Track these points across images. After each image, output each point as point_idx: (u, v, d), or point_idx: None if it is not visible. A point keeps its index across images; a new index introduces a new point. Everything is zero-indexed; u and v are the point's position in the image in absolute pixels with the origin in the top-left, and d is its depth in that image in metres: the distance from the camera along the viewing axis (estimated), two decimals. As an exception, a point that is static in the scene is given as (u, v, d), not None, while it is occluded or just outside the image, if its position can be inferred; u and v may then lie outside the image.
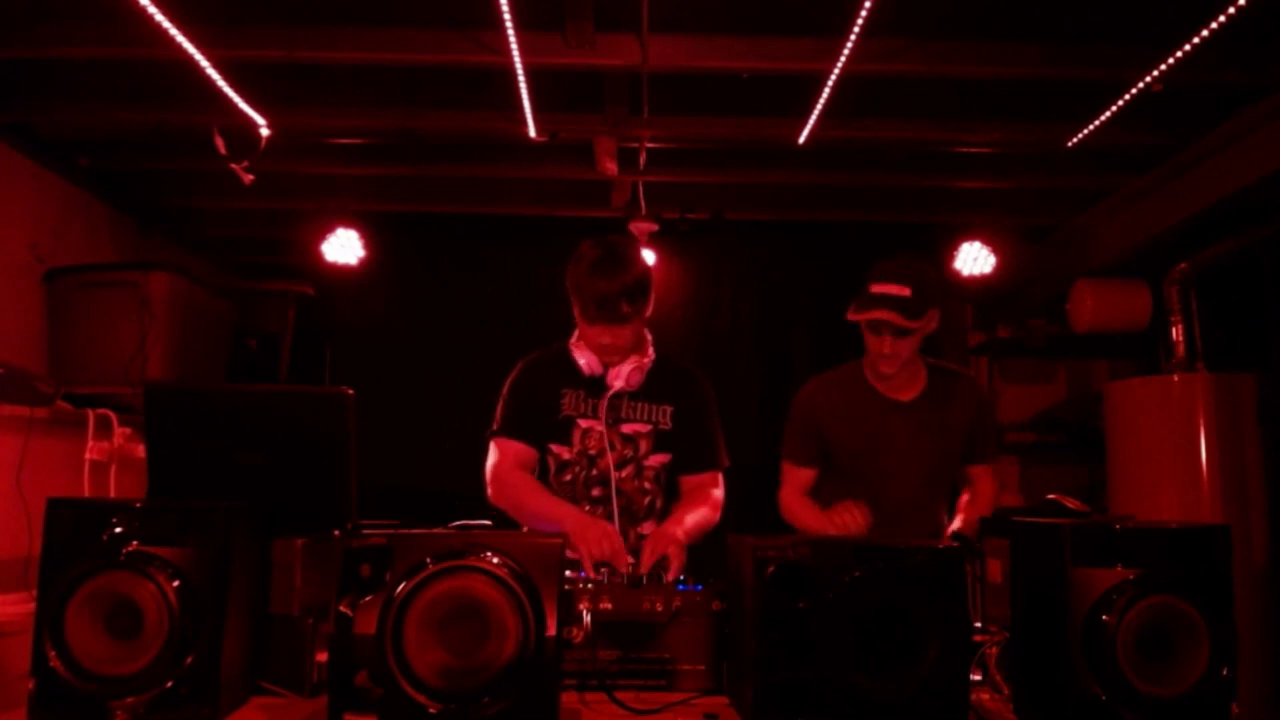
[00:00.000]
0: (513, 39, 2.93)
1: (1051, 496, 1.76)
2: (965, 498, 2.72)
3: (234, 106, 3.39)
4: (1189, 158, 3.81)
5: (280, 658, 1.60)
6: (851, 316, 2.52)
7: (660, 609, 1.67)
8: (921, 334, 2.51)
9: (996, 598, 1.65)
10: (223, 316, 4.73)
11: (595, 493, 2.37)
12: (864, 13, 2.75)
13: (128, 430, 3.83)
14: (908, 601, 1.39)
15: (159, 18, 2.80)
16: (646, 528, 2.39)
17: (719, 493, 2.45)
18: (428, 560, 1.32)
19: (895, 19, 2.87)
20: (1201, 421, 3.92)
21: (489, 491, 2.37)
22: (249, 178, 3.71)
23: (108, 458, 3.76)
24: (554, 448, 2.39)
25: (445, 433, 4.87)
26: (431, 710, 1.28)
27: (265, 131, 3.58)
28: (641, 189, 4.47)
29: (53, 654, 1.39)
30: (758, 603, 1.42)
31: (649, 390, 2.40)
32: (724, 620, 1.66)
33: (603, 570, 1.95)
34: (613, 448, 2.36)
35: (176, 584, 1.42)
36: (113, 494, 3.72)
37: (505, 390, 2.45)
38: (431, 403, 5.00)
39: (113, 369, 3.94)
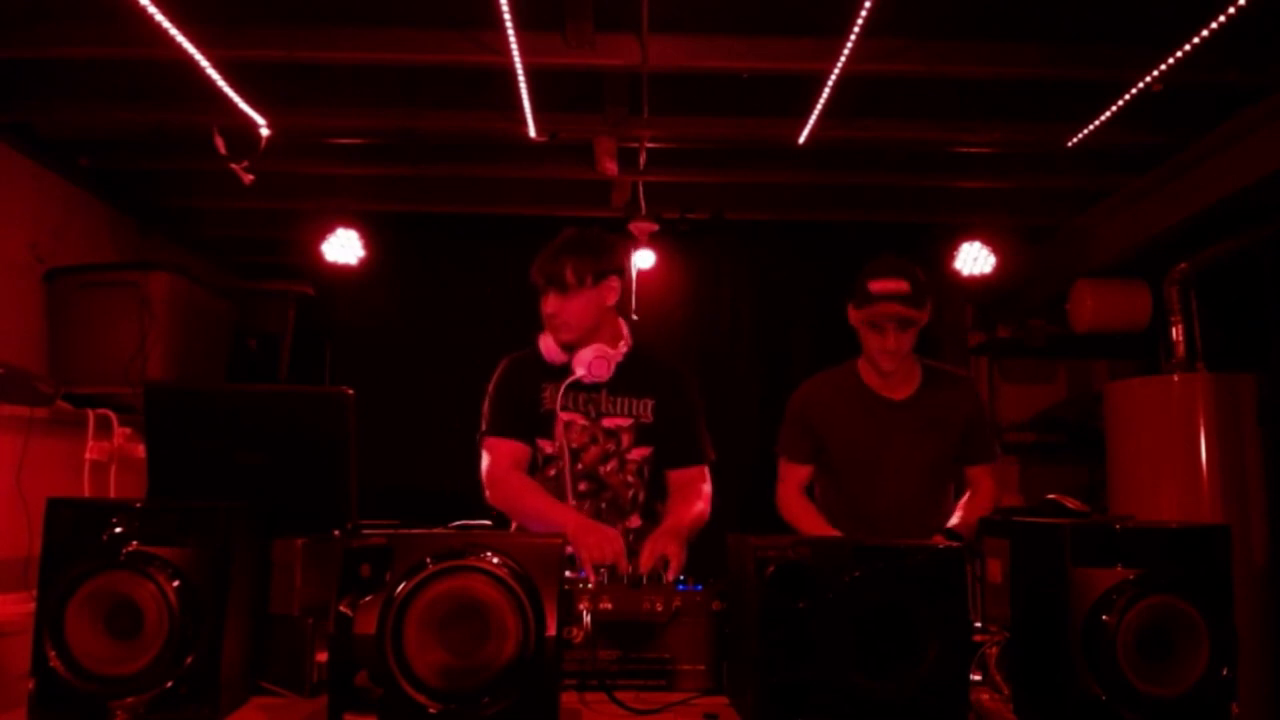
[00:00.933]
0: (513, 39, 2.93)
1: (1051, 496, 1.76)
2: (965, 498, 2.73)
3: (234, 106, 3.39)
4: (1189, 158, 3.80)
5: (280, 658, 1.60)
6: (856, 314, 2.57)
7: (660, 609, 1.67)
8: (920, 326, 2.55)
9: (996, 598, 1.65)
10: (223, 316, 4.73)
11: (582, 487, 2.38)
12: (864, 13, 2.75)
13: (128, 430, 3.83)
14: (908, 601, 1.39)
15: (159, 18, 2.80)
16: (633, 521, 2.40)
17: (708, 487, 2.45)
18: (428, 560, 1.32)
19: (895, 19, 2.87)
20: (1201, 421, 3.92)
21: (487, 494, 2.37)
22: (249, 178, 3.71)
23: (108, 458, 3.76)
24: (539, 442, 2.40)
25: (445, 433, 4.86)
26: (431, 710, 1.28)
27: (265, 131, 3.58)
28: (641, 189, 4.47)
29: (53, 654, 1.39)
30: (758, 603, 1.42)
31: (629, 384, 2.41)
32: (724, 620, 1.66)
33: (602, 571, 1.95)
34: (595, 441, 2.37)
35: (176, 584, 1.42)
36: (113, 494, 3.73)
37: (491, 389, 2.46)
38: (431, 403, 4.99)
39: (113, 369, 3.94)
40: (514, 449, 2.38)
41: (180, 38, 2.91)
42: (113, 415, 3.80)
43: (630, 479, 2.41)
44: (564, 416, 2.37)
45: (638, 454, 2.41)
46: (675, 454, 2.45)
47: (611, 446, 2.39)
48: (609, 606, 1.67)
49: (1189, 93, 3.42)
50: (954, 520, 2.60)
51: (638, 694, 1.61)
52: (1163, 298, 4.21)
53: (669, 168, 4.24)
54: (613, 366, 2.38)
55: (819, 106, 3.40)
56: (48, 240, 4.06)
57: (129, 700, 1.39)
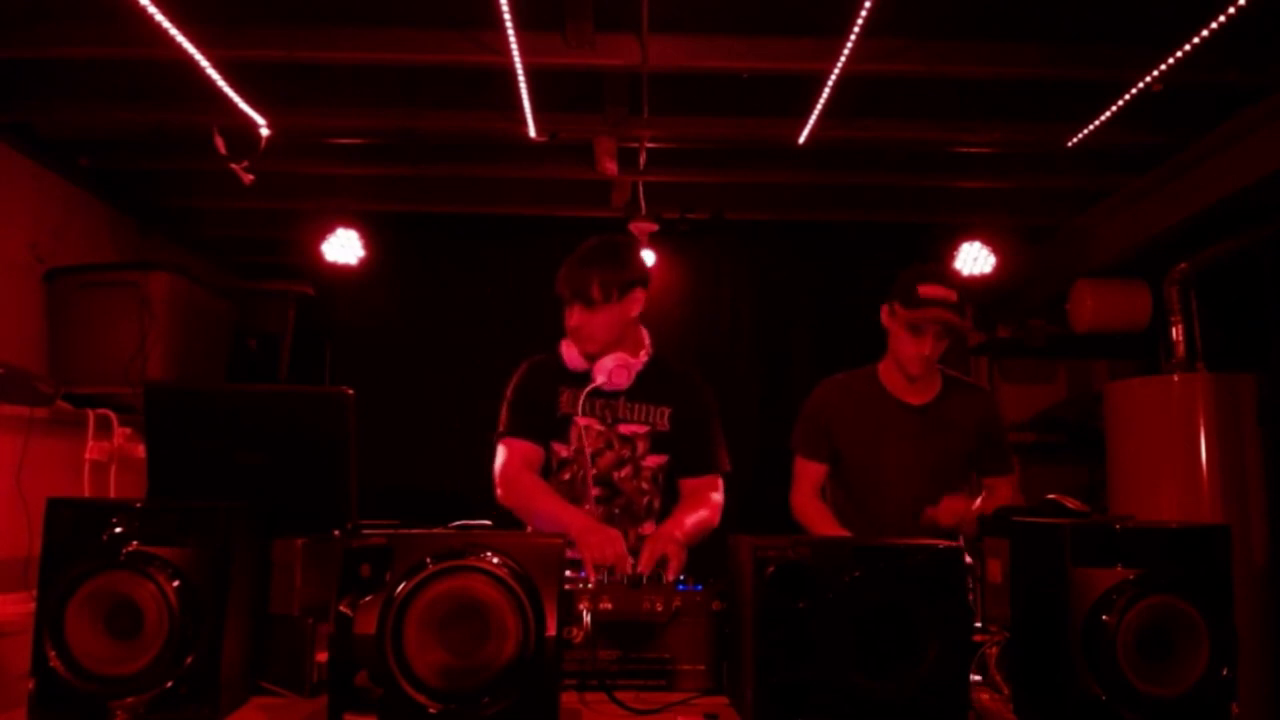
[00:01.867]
0: (513, 39, 2.93)
1: (1051, 496, 1.75)
2: (979, 499, 2.74)
3: (234, 106, 3.39)
4: (1189, 158, 3.81)
5: (280, 658, 1.60)
6: (901, 314, 2.59)
7: (660, 609, 1.67)
8: (955, 339, 2.60)
9: (996, 598, 1.65)
10: (223, 316, 4.73)
11: (596, 492, 2.38)
12: (864, 13, 2.75)
13: (128, 430, 3.83)
14: (908, 601, 1.39)
15: (159, 18, 2.80)
16: (647, 528, 2.40)
17: (718, 496, 2.45)
18: (428, 560, 1.32)
19: (895, 19, 2.87)
20: (1201, 421, 3.92)
21: (498, 493, 2.38)
22: (249, 178, 3.71)
23: (108, 458, 3.76)
24: (554, 446, 2.41)
25: (445, 433, 4.87)
26: (431, 710, 1.28)
27: (265, 131, 3.58)
28: (641, 189, 4.47)
29: (53, 654, 1.38)
30: (758, 603, 1.42)
31: (646, 391, 2.41)
32: (724, 620, 1.66)
33: (603, 572, 1.95)
34: (610, 446, 2.38)
35: (176, 584, 1.41)
36: (113, 494, 3.73)
37: (509, 391, 2.47)
38: (431, 403, 5.00)
39: (113, 369, 3.94)
40: (528, 450, 2.39)
41: (180, 38, 2.91)
42: (113, 415, 3.80)
43: (645, 485, 2.41)
44: (581, 421, 2.37)
45: (653, 461, 2.41)
46: (688, 462, 2.45)
47: (627, 453, 2.39)
48: (609, 606, 1.67)
49: (1189, 93, 3.42)
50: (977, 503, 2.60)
51: (638, 694, 1.61)
52: (1163, 298, 4.21)
53: (669, 168, 4.24)
54: (633, 375, 2.38)
55: (819, 106, 3.40)
56: (48, 240, 4.06)
57: (129, 700, 1.39)
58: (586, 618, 1.61)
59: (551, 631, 1.32)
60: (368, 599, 1.31)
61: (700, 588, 1.70)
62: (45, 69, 3.49)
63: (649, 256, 4.74)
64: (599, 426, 2.39)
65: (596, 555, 2.02)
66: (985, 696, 1.62)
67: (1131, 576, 1.40)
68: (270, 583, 1.62)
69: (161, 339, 4.05)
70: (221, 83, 3.22)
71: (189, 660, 1.41)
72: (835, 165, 4.22)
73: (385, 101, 3.65)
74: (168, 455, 1.81)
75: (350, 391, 1.76)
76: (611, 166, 4.06)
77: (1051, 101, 3.59)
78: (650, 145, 3.89)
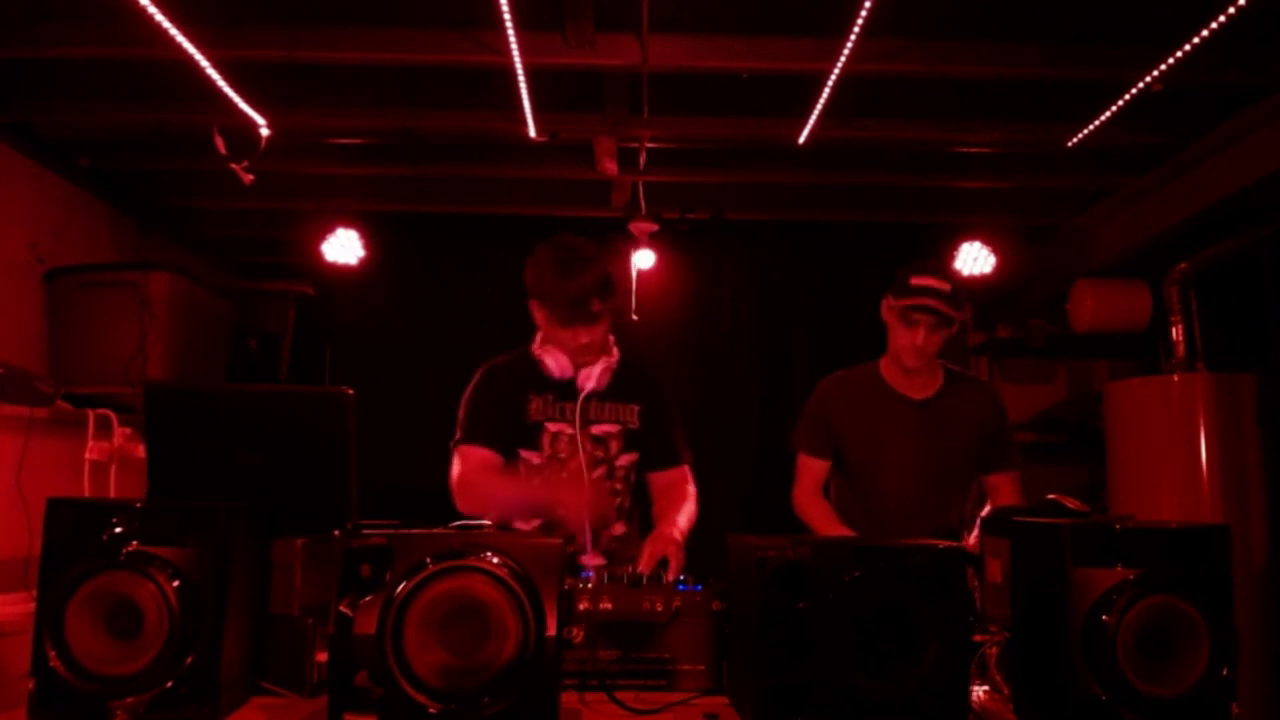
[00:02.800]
0: (513, 39, 2.93)
1: (1051, 496, 1.75)
2: (985, 510, 2.73)
3: (234, 106, 3.39)
4: (1189, 158, 3.80)
5: (280, 658, 1.60)
6: (893, 304, 2.61)
7: (660, 609, 1.67)
8: (950, 332, 2.60)
9: (996, 598, 1.65)
10: (223, 316, 4.73)
11: None
12: (864, 13, 2.75)
13: (128, 430, 3.83)
14: (908, 601, 1.39)
15: (159, 18, 2.80)
16: (618, 529, 2.40)
17: (692, 487, 2.46)
18: (428, 560, 1.32)
19: (895, 19, 2.87)
20: (1201, 421, 3.92)
21: (457, 502, 2.30)
22: (249, 178, 3.71)
23: (108, 458, 3.76)
24: (524, 454, 2.37)
25: (445, 433, 4.86)
26: (431, 710, 1.28)
27: (265, 131, 3.58)
28: (641, 189, 4.47)
29: (53, 654, 1.39)
30: (758, 603, 1.42)
31: (616, 390, 2.40)
32: (724, 620, 1.66)
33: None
34: (582, 450, 2.35)
35: (176, 584, 1.41)
36: (113, 494, 3.73)
37: (467, 397, 2.42)
38: (431, 403, 4.96)
39: (113, 369, 3.94)
40: (486, 457, 2.33)
41: (180, 38, 2.91)
42: (113, 415, 3.80)
43: (618, 486, 2.40)
44: (551, 428, 2.36)
45: (625, 460, 2.41)
46: (658, 457, 2.45)
47: (600, 454, 2.38)
48: (609, 606, 1.67)
49: (1189, 93, 3.42)
50: (972, 539, 2.60)
51: (638, 694, 1.61)
52: (1163, 298, 4.21)
53: (669, 168, 4.24)
54: (613, 375, 2.38)
55: (819, 106, 3.40)
56: (48, 240, 4.06)
57: (129, 700, 1.39)
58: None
59: (551, 631, 1.32)
60: (368, 599, 1.31)
61: (700, 588, 1.71)
62: (45, 69, 3.49)
63: (649, 256, 4.74)
64: (569, 431, 2.36)
65: (569, 500, 2.04)
66: (985, 696, 1.62)
67: (1131, 576, 1.40)
68: (270, 583, 1.62)
69: (161, 339, 4.05)
70: (221, 83, 3.22)
71: (189, 660, 1.41)
72: (835, 165, 4.22)
73: (385, 101, 3.64)
74: (168, 455, 1.81)
75: (350, 391, 1.76)
76: (611, 166, 4.06)
77: (1051, 101, 3.59)
78: (650, 145, 3.89)
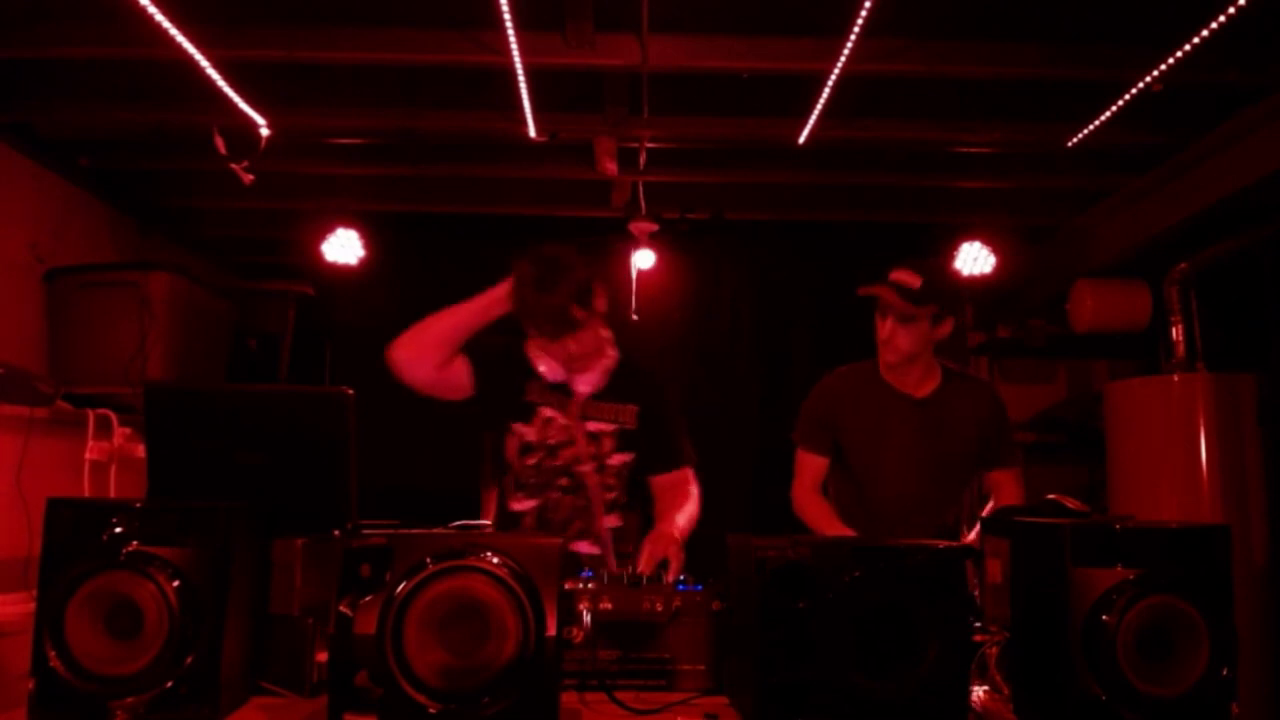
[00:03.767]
0: (513, 39, 2.93)
1: (1051, 496, 1.75)
2: (988, 508, 2.73)
3: (234, 106, 3.39)
4: (1189, 158, 3.80)
5: (280, 658, 1.60)
6: (859, 290, 2.63)
7: (660, 609, 1.67)
8: (925, 329, 2.58)
9: (996, 598, 1.65)
10: (223, 316, 4.73)
11: (563, 482, 2.38)
12: (864, 13, 2.75)
13: (128, 430, 3.83)
14: (908, 601, 1.39)
15: (159, 18, 2.80)
16: (612, 520, 2.41)
17: (695, 488, 2.46)
18: (428, 560, 1.32)
19: (895, 19, 2.87)
20: (1201, 421, 3.92)
21: (395, 360, 2.50)
22: (249, 178, 3.71)
23: (108, 458, 3.76)
24: (517, 427, 2.39)
25: (445, 433, 4.86)
26: (431, 710, 1.28)
27: (265, 131, 3.58)
28: (641, 189, 4.47)
29: (53, 654, 1.39)
30: (758, 603, 1.42)
31: (613, 390, 2.41)
32: (724, 620, 1.66)
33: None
34: (573, 442, 2.37)
35: (176, 584, 1.41)
36: (113, 494, 3.72)
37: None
38: (431, 403, 4.98)
39: (113, 369, 3.94)
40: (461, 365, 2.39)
41: (180, 38, 2.91)
42: (113, 415, 3.80)
43: (610, 481, 2.41)
44: (545, 412, 2.37)
45: (618, 459, 2.41)
46: (658, 460, 2.46)
47: (593, 450, 2.38)
48: (609, 606, 1.67)
49: (1189, 93, 3.42)
50: (972, 536, 2.61)
51: (638, 694, 1.61)
52: (1163, 298, 4.21)
53: (669, 168, 4.24)
54: (609, 376, 2.39)
55: (819, 106, 3.39)
56: (48, 240, 4.05)
57: (129, 700, 1.39)
58: (586, 617, 1.61)
59: (551, 631, 1.32)
60: (368, 599, 1.31)
61: (700, 588, 1.71)
62: (45, 69, 3.49)
63: (649, 256, 4.74)
64: (563, 420, 2.37)
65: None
66: (985, 696, 1.62)
67: (1131, 576, 1.40)
68: (270, 583, 1.62)
69: (161, 339, 4.05)
70: (221, 83, 3.22)
71: (189, 660, 1.41)
72: (835, 165, 4.22)
73: (385, 101, 3.64)
74: (168, 455, 1.81)
75: (350, 391, 1.76)
76: (611, 166, 4.06)
77: (1051, 101, 3.59)
78: (650, 145, 3.89)
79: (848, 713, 1.37)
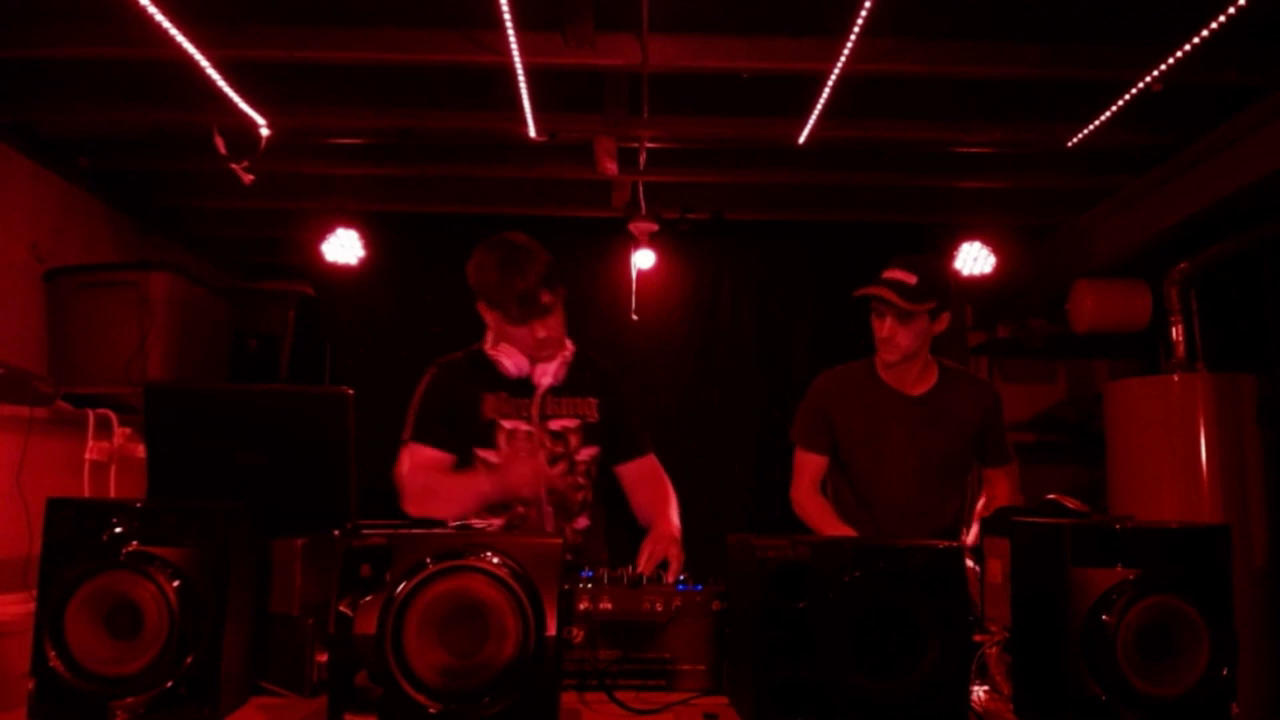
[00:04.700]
0: (513, 39, 2.93)
1: (1051, 496, 1.76)
2: (981, 503, 2.74)
3: (234, 106, 3.39)
4: (1189, 158, 3.80)
5: (280, 658, 1.60)
6: (856, 292, 2.64)
7: (660, 609, 1.67)
8: (923, 325, 2.59)
9: (996, 598, 1.65)
10: (223, 316, 4.73)
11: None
12: (864, 13, 2.75)
13: (128, 430, 3.83)
14: (908, 601, 1.39)
15: (159, 18, 2.80)
16: (580, 522, 2.41)
17: (661, 472, 2.48)
18: (428, 560, 1.32)
19: (895, 19, 2.87)
20: (1201, 421, 3.92)
21: (403, 502, 2.29)
22: (249, 178, 3.71)
23: (108, 458, 3.76)
24: (480, 453, 2.34)
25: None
26: (431, 710, 1.28)
27: (265, 131, 3.58)
28: (641, 189, 4.47)
29: (53, 654, 1.39)
30: (758, 603, 1.41)
31: (572, 385, 2.40)
32: (724, 620, 1.66)
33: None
34: (541, 446, 2.35)
35: (176, 584, 1.42)
36: (113, 494, 3.72)
37: (418, 396, 2.42)
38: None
39: (113, 369, 3.94)
40: (438, 459, 2.32)
41: (180, 38, 2.91)
42: (113, 415, 3.80)
43: (580, 480, 2.40)
44: (507, 425, 2.34)
45: (586, 454, 2.40)
46: (621, 449, 2.46)
47: (560, 449, 2.36)
48: (609, 606, 1.67)
49: (1189, 93, 3.42)
50: (971, 536, 2.61)
51: (638, 694, 1.61)
52: (1163, 298, 4.21)
53: (669, 168, 4.24)
54: (566, 368, 2.38)
55: (819, 106, 3.40)
56: (48, 240, 4.06)
57: (129, 700, 1.39)
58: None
59: (551, 631, 1.32)
60: (368, 599, 1.31)
61: (700, 588, 1.70)
62: (45, 69, 3.49)
63: (649, 256, 4.74)
64: (525, 427, 2.35)
65: (521, 471, 2.09)
66: (985, 696, 1.62)
67: (1131, 576, 1.40)
68: (270, 583, 1.62)
69: (161, 339, 4.05)
70: (221, 83, 3.22)
71: (189, 660, 1.41)
72: (835, 165, 4.22)
73: (385, 101, 3.64)
74: (168, 455, 1.81)
75: (350, 391, 1.76)
76: (611, 166, 4.06)
77: (1051, 101, 3.59)
78: (650, 145, 3.89)
79: (848, 713, 1.37)
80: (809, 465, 2.75)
